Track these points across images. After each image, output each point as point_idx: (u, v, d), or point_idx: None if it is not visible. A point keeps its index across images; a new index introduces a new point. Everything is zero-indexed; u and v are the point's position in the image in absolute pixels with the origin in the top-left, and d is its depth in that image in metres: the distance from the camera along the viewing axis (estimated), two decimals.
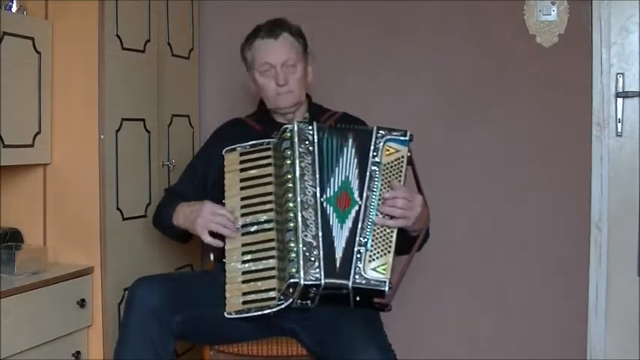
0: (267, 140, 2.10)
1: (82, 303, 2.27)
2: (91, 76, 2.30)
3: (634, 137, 2.65)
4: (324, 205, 1.97)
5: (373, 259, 1.92)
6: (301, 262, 1.90)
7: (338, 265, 1.93)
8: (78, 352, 2.28)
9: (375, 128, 2.04)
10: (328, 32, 2.83)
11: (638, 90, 2.64)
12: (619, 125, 2.65)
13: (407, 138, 2.02)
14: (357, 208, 1.97)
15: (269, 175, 2.06)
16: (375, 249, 1.93)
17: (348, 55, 2.86)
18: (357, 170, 2.00)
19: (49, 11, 2.32)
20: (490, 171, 2.77)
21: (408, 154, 2.02)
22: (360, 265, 1.92)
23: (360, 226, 1.95)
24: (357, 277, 1.91)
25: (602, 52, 2.64)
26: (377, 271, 1.91)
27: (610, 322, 2.68)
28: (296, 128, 2.03)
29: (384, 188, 1.98)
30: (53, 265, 2.30)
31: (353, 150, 2.02)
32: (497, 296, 2.78)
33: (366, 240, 1.94)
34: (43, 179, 2.36)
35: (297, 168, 1.98)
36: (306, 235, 1.93)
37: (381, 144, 2.01)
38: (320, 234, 1.94)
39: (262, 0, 2.86)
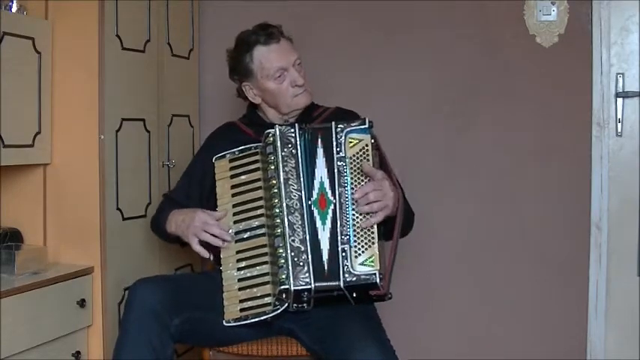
0: (254, 145, 2.09)
1: (82, 303, 2.27)
2: (91, 76, 2.30)
3: (634, 137, 2.65)
4: (311, 208, 1.97)
5: (359, 254, 1.92)
6: (290, 268, 1.91)
7: (326, 267, 1.93)
8: (78, 352, 2.28)
9: (332, 123, 2.02)
10: (328, 31, 2.83)
11: (638, 90, 2.63)
12: (619, 125, 2.65)
13: (367, 125, 2.00)
14: (332, 207, 1.96)
15: (258, 179, 2.05)
16: (359, 243, 1.93)
17: (348, 55, 2.86)
18: (326, 169, 1.99)
19: (49, 11, 2.32)
20: (490, 171, 2.77)
21: (372, 140, 2.00)
22: (348, 263, 1.91)
23: (339, 223, 1.94)
24: (346, 275, 1.91)
25: (602, 52, 2.64)
26: (365, 265, 1.91)
27: (610, 322, 2.67)
28: (278, 132, 2.02)
29: (355, 181, 1.96)
30: (53, 265, 2.30)
31: (322, 149, 2.01)
32: (497, 296, 2.78)
33: (347, 236, 1.93)
34: (43, 179, 2.36)
35: (282, 172, 1.98)
36: (293, 240, 1.93)
37: (343, 138, 2.00)
38: (308, 237, 1.94)
39: (262, 0, 2.86)
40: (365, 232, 1.94)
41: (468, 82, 2.77)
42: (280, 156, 1.99)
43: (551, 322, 2.72)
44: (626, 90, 2.64)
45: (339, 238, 1.94)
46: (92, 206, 2.31)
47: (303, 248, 1.93)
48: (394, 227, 1.99)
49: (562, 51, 2.68)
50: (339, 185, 1.97)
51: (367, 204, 1.94)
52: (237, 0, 2.94)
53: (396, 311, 2.21)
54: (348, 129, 2.00)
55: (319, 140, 2.01)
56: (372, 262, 1.92)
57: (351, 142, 1.99)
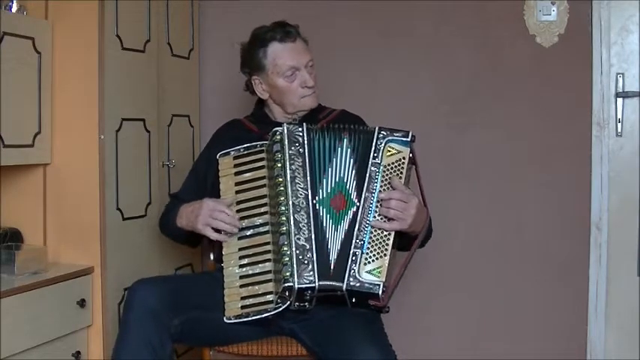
0: (260, 143, 2.09)
1: (82, 303, 2.27)
2: (91, 76, 2.30)
3: (634, 137, 2.65)
4: (317, 207, 1.96)
5: (369, 262, 1.92)
6: (295, 266, 1.90)
7: (332, 267, 1.92)
8: (78, 352, 2.28)
9: (377, 129, 2.01)
10: (328, 32, 2.83)
11: (638, 90, 2.64)
12: (619, 125, 2.65)
13: (409, 139, 2.00)
14: (354, 209, 1.96)
15: (263, 177, 2.05)
16: (372, 251, 1.92)
17: (348, 55, 2.86)
18: (354, 171, 1.99)
19: (49, 11, 2.32)
20: (490, 171, 2.77)
21: (410, 154, 2.00)
22: (355, 268, 1.91)
23: (357, 227, 1.94)
24: (351, 279, 1.90)
25: (602, 52, 2.64)
26: (372, 274, 1.91)
27: (610, 322, 2.68)
28: (285, 130, 2.01)
29: (384, 189, 1.96)
30: (53, 265, 2.30)
31: (349, 150, 2.01)
32: (498, 296, 2.78)
33: (362, 242, 1.93)
34: (43, 179, 2.36)
35: (288, 171, 1.97)
36: (299, 239, 1.93)
37: (383, 145, 1.99)
38: (313, 236, 1.93)
39: (262, 0, 2.86)
40: (380, 243, 1.93)
41: (468, 82, 2.78)
42: (287, 154, 1.99)
43: (551, 322, 2.72)
44: (626, 90, 2.64)
45: (353, 241, 1.93)
46: (92, 206, 2.31)
47: (308, 246, 1.92)
48: (411, 245, 2.00)
49: (562, 51, 2.68)
50: (367, 190, 1.96)
51: (386, 208, 1.94)
52: (237, 0, 2.94)
53: (396, 313, 2.20)
54: (390, 137, 2.00)
55: (345, 140, 2.00)
56: (379, 272, 1.91)
57: (389, 151, 1.99)
